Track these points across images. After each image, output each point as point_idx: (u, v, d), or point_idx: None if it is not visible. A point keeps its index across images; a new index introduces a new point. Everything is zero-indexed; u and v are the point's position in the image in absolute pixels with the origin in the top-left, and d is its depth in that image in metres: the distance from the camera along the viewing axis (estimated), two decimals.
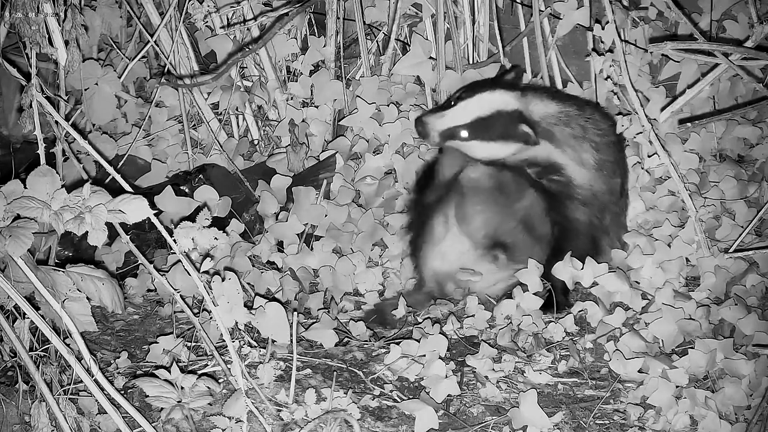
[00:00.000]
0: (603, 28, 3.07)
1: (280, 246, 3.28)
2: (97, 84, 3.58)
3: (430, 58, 3.53)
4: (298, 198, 3.32)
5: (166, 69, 3.57)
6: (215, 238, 2.53)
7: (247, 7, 3.53)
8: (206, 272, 2.50)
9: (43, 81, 3.16)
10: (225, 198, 3.29)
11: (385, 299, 3.16)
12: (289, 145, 3.61)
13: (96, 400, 2.40)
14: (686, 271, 3.05)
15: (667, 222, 3.14)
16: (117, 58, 3.76)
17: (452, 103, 2.97)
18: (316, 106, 3.63)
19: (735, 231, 3.10)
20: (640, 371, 2.73)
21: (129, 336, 2.99)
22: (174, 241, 2.49)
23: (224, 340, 2.51)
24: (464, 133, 2.93)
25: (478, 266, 3.06)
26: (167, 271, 2.96)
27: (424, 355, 2.76)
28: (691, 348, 2.70)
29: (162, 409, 2.50)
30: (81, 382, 2.40)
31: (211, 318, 2.61)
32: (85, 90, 3.57)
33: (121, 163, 3.48)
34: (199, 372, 2.61)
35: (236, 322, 2.56)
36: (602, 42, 3.10)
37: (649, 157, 3.26)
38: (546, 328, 2.92)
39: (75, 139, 2.58)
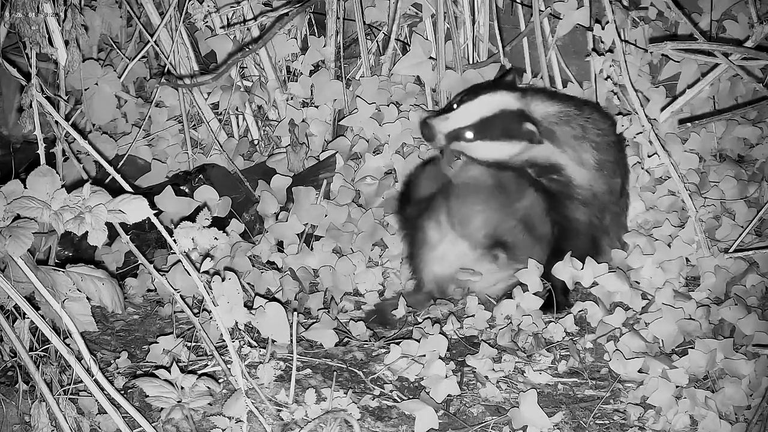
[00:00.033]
0: (603, 28, 3.07)
1: (280, 246, 3.28)
2: (97, 84, 3.58)
3: (430, 58, 3.53)
4: (298, 198, 3.32)
5: (166, 69, 3.57)
6: (215, 238, 2.53)
7: (247, 7, 3.53)
8: (206, 272, 2.50)
9: (43, 81, 3.16)
10: (225, 198, 3.29)
11: (385, 299, 3.16)
12: (289, 145, 3.61)
13: (96, 400, 2.40)
14: (686, 271, 3.05)
15: (667, 222, 3.15)
16: (117, 58, 3.76)
17: (455, 105, 2.98)
18: (316, 106, 3.63)
19: (735, 231, 3.10)
20: (640, 371, 2.73)
21: (129, 336, 2.99)
22: (174, 241, 2.49)
23: (224, 340, 2.51)
24: (469, 134, 2.94)
25: (478, 266, 3.06)
26: (167, 271, 2.96)
27: (424, 355, 2.76)
28: (691, 348, 2.70)
29: (162, 409, 2.50)
30: (81, 382, 2.40)
31: (211, 318, 2.61)
32: (85, 90, 3.57)
33: (121, 163, 3.48)
34: (199, 372, 2.61)
35: (236, 322, 2.56)
36: (602, 42, 3.10)
37: (649, 157, 3.26)
38: (546, 328, 2.92)
39: (75, 139, 2.58)
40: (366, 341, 2.94)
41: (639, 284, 3.01)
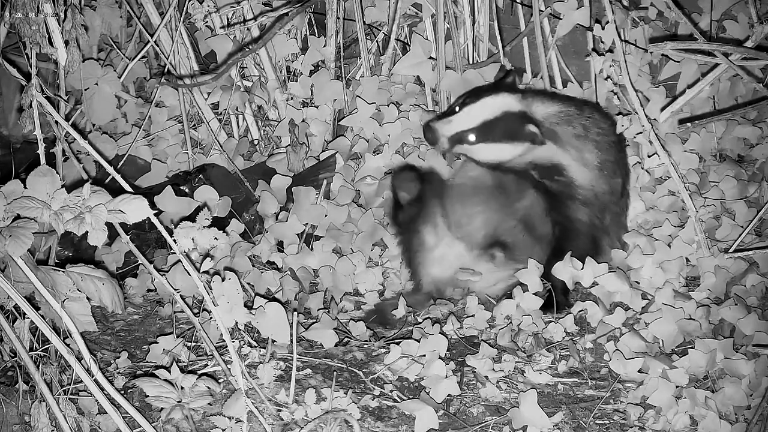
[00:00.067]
0: (603, 28, 3.07)
1: (280, 246, 3.28)
2: (97, 84, 3.58)
3: (430, 58, 3.53)
4: (298, 198, 3.32)
5: (166, 69, 3.57)
6: (215, 238, 2.53)
7: (247, 7, 3.53)
8: (206, 272, 2.50)
9: (43, 81, 3.17)
10: (225, 198, 3.29)
11: (385, 299, 3.16)
12: (289, 145, 3.61)
13: (96, 400, 2.40)
14: (686, 271, 3.05)
15: (667, 222, 3.14)
16: (117, 58, 3.76)
17: (457, 108, 2.98)
18: (316, 106, 3.63)
19: (735, 231, 3.10)
20: (640, 371, 2.73)
21: (129, 336, 2.99)
22: (174, 241, 2.49)
23: (224, 340, 2.51)
24: (472, 137, 2.95)
25: (477, 267, 3.06)
26: (167, 271, 2.96)
27: (424, 355, 2.76)
28: (691, 348, 2.70)
29: (162, 409, 2.50)
30: (81, 382, 2.40)
31: (211, 318, 2.61)
32: (85, 90, 3.57)
33: (121, 163, 3.48)
34: (199, 372, 2.61)
35: (236, 322, 2.56)
36: (602, 42, 3.10)
37: (649, 157, 3.26)
38: (546, 328, 2.92)
39: (75, 139, 2.58)
40: (366, 341, 2.94)
41: (639, 284, 3.01)
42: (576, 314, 2.97)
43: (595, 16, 3.31)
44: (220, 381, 2.63)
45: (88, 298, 2.63)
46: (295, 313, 2.68)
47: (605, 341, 2.86)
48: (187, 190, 3.29)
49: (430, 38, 3.58)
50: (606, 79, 3.05)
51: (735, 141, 3.45)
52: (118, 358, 2.80)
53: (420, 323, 2.99)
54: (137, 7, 3.66)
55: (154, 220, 2.45)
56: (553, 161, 2.99)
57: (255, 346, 2.74)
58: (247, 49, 3.51)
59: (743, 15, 3.44)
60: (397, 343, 2.79)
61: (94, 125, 3.66)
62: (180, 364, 2.66)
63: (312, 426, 2.53)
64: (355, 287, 3.19)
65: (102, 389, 2.37)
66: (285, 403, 2.61)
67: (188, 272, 2.47)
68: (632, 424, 2.60)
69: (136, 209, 2.40)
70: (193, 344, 2.79)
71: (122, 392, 2.53)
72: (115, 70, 3.62)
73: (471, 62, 3.54)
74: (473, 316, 2.99)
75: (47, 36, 2.91)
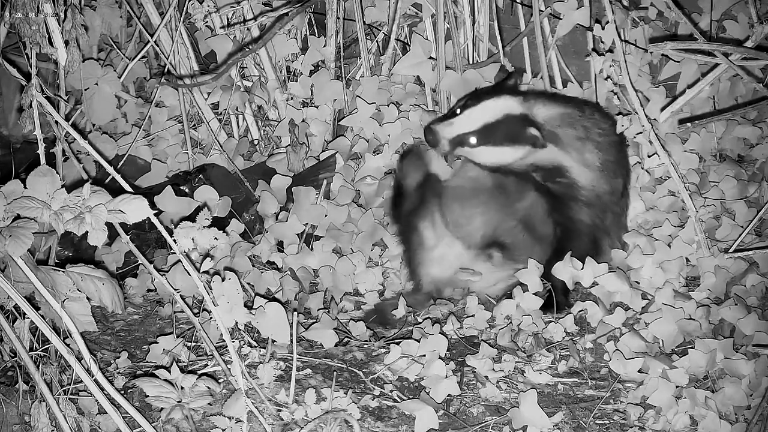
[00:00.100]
0: (603, 28, 3.07)
1: (280, 246, 3.28)
2: (97, 84, 3.58)
3: (430, 58, 3.53)
4: (298, 198, 3.32)
5: (166, 69, 3.57)
6: (215, 238, 2.53)
7: (247, 7, 3.53)
8: (206, 272, 2.50)
9: (43, 81, 3.17)
10: (225, 198, 3.29)
11: (385, 299, 3.16)
12: (289, 145, 3.61)
13: (96, 400, 2.40)
14: (686, 271, 3.05)
15: (667, 222, 3.14)
16: (117, 58, 3.76)
17: (458, 110, 2.98)
18: (316, 106, 3.63)
19: (735, 231, 3.10)
20: (640, 371, 2.73)
21: (129, 336, 2.99)
22: (174, 241, 2.49)
23: (224, 340, 2.51)
24: (473, 140, 2.95)
25: (475, 266, 3.07)
26: (167, 271, 2.96)
27: (424, 355, 2.76)
28: (691, 348, 2.70)
29: (162, 409, 2.50)
30: (81, 382, 2.40)
31: (211, 318, 2.61)
32: (85, 90, 3.57)
33: (121, 163, 3.48)
34: (199, 372, 2.61)
35: (236, 322, 2.56)
36: (602, 42, 3.10)
37: (649, 157, 3.26)
38: (546, 328, 2.92)
39: (75, 139, 2.58)
40: (366, 341, 2.94)
41: (639, 284, 3.01)
42: (576, 314, 2.97)
43: (595, 16, 3.30)
44: (220, 381, 2.63)
45: (88, 298, 2.63)
46: (295, 313, 2.68)
47: (605, 341, 2.86)
48: (187, 190, 3.29)
49: (430, 38, 3.58)
50: (606, 79, 3.05)
51: (735, 141, 3.45)
52: (118, 358, 2.80)
53: (420, 323, 2.99)
54: (137, 7, 3.66)
55: (154, 220, 2.45)
56: (554, 163, 3.00)
57: (255, 346, 2.74)
58: (247, 49, 3.51)
59: (743, 15, 3.44)
60: (397, 343, 2.79)
61: (94, 125, 3.66)
62: (180, 364, 2.66)
63: (312, 426, 2.53)
64: (355, 287, 3.19)
65: (102, 389, 2.37)
66: (285, 403, 2.61)
67: (188, 272, 2.47)
68: (632, 424, 2.60)
69: (136, 209, 2.40)
70: (193, 344, 2.79)
71: (122, 392, 2.53)
72: (115, 70, 3.62)
73: (471, 62, 3.54)
74: (473, 316, 2.99)
75: (47, 36, 2.91)
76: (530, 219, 3.05)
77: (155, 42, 3.53)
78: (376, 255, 3.28)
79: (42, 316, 2.39)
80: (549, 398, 2.71)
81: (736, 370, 2.64)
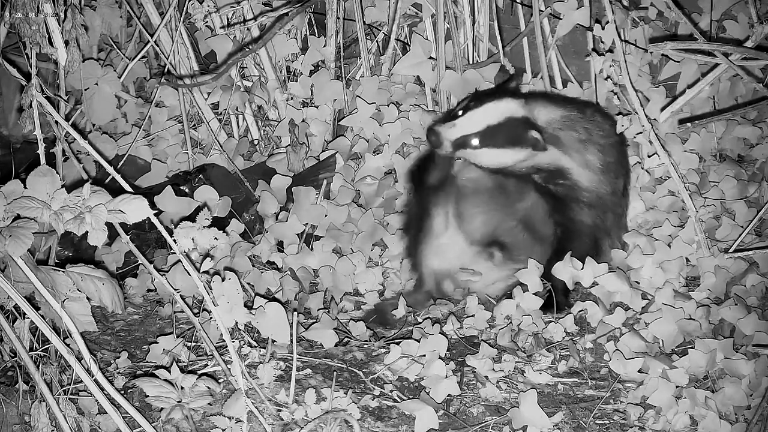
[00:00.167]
0: (603, 28, 3.07)
1: (280, 246, 3.28)
2: (97, 84, 3.58)
3: (430, 58, 3.53)
4: (298, 198, 3.32)
5: (166, 69, 3.57)
6: (215, 238, 2.53)
7: (247, 7, 3.53)
8: (206, 272, 2.50)
9: (43, 81, 3.16)
10: (225, 198, 3.29)
11: (385, 299, 3.16)
12: (289, 145, 3.61)
13: (96, 400, 2.40)
14: (686, 271, 3.05)
15: (667, 222, 3.15)
16: (117, 58, 3.76)
17: (460, 112, 2.98)
18: (316, 106, 3.63)
19: (735, 231, 3.10)
20: (640, 371, 2.73)
21: (129, 336, 2.99)
22: (174, 241, 2.49)
23: (224, 340, 2.51)
24: (475, 142, 2.95)
25: (475, 264, 3.07)
26: (167, 271, 2.96)
27: (424, 355, 2.76)
28: (691, 348, 2.70)
29: (162, 409, 2.50)
30: (81, 382, 2.40)
31: (211, 318, 2.61)
32: (85, 90, 3.57)
33: (121, 163, 3.48)
34: (199, 372, 2.61)
35: (236, 322, 2.56)
36: (602, 42, 3.10)
37: (649, 157, 3.26)
38: (546, 328, 2.92)
39: (75, 139, 2.58)
40: (366, 341, 2.94)
41: (639, 284, 3.01)
42: (576, 314, 2.97)
43: (595, 16, 3.31)
44: (220, 381, 2.63)
45: (88, 298, 2.63)
46: (295, 313, 2.68)
47: (605, 341, 2.86)
48: (187, 190, 3.29)
49: (430, 38, 3.58)
50: (606, 79, 3.05)
51: (735, 141, 3.45)
52: (118, 358, 2.80)
53: (420, 323, 2.99)
54: (137, 7, 3.66)
55: (154, 220, 2.45)
56: (556, 166, 3.00)
57: (255, 346, 2.74)
58: (247, 49, 3.51)
59: (743, 15, 3.44)
60: (397, 343, 2.79)
61: (94, 125, 3.66)
62: (180, 364, 2.66)
63: (312, 426, 2.53)
64: (355, 287, 3.19)
65: (102, 389, 2.37)
66: (285, 403, 2.61)
67: (188, 272, 2.47)
68: (632, 424, 2.60)
69: (136, 209, 2.40)
70: (193, 344, 2.79)
71: (122, 392, 2.53)
72: (115, 70, 3.62)
73: (471, 62, 3.54)
74: (473, 316, 2.99)
75: (47, 36, 2.91)
76: (530, 219, 3.05)
77: (155, 42, 3.53)
78: (376, 255, 3.28)
79: (42, 316, 2.39)
80: (549, 398, 2.71)
81: (736, 370, 2.64)
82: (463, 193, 3.06)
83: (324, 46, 3.63)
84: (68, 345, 2.38)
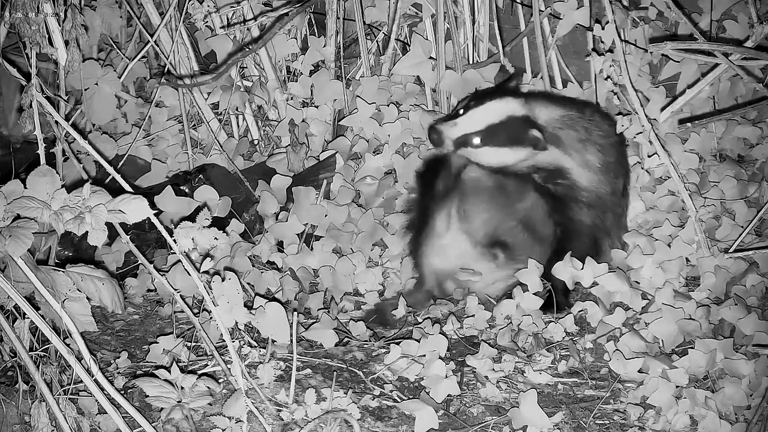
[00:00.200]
0: (603, 28, 3.07)
1: (280, 246, 3.28)
2: (97, 84, 3.58)
3: (430, 58, 3.53)
4: (298, 198, 3.32)
5: (166, 69, 3.57)
6: (215, 238, 2.53)
7: (247, 7, 3.53)
8: (206, 272, 2.50)
9: (43, 81, 3.16)
10: (225, 198, 3.29)
11: (385, 299, 3.16)
12: (289, 145, 3.61)
13: (96, 400, 2.40)
14: (686, 271, 3.05)
15: (667, 222, 3.15)
16: (117, 58, 3.76)
17: (461, 111, 2.98)
18: (316, 106, 3.63)
19: (735, 231, 3.10)
20: (640, 371, 2.73)
21: (129, 336, 2.99)
22: (174, 241, 2.49)
23: (224, 340, 2.51)
24: (476, 140, 2.95)
25: (477, 265, 3.07)
26: (167, 271, 2.96)
27: (424, 355, 2.76)
28: (691, 348, 2.70)
29: (162, 409, 2.50)
30: (81, 382, 2.40)
31: (211, 318, 2.61)
32: (85, 90, 3.57)
33: (121, 163, 3.48)
34: (199, 372, 2.61)
35: (236, 322, 2.56)
36: (602, 42, 3.10)
37: (649, 157, 3.26)
38: (546, 328, 2.92)
39: (75, 139, 2.58)
40: (366, 341, 2.94)
41: (639, 284, 3.01)
42: (576, 314, 2.97)
43: (595, 16, 3.31)
44: (220, 381, 2.63)
45: (88, 298, 2.63)
46: (295, 313, 2.68)
47: (605, 341, 2.86)
48: (187, 190, 3.29)
49: (430, 38, 3.58)
50: (606, 79, 3.05)
51: (735, 141, 3.45)
52: (118, 358, 2.80)
53: (420, 323, 2.99)
54: (137, 7, 3.66)
55: (154, 220, 2.45)
56: (556, 165, 3.00)
57: (255, 346, 2.74)
58: (247, 49, 3.51)
59: (743, 15, 3.44)
60: (397, 343, 2.79)
61: (94, 125, 3.66)
62: (180, 364, 2.66)
63: (312, 426, 2.53)
64: (355, 287, 3.19)
65: (102, 389, 2.37)
66: (285, 403, 2.61)
67: (188, 272, 2.47)
68: (632, 424, 2.60)
69: (136, 209, 2.40)
70: (193, 344, 2.79)
71: (122, 392, 2.53)
72: (115, 70, 3.62)
73: (471, 62, 3.54)
74: (473, 316, 2.99)
75: (47, 36, 2.91)
76: (530, 219, 3.05)
77: (155, 42, 3.53)
78: (376, 255, 3.28)
79: (42, 316, 2.39)
80: (549, 398, 2.71)
81: (736, 370, 2.64)
82: (465, 193, 3.06)
83: (324, 46, 3.63)
84: (68, 345, 2.38)
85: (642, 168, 3.28)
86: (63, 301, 2.51)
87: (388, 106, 3.54)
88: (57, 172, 2.48)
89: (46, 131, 2.70)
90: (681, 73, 3.44)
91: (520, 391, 2.70)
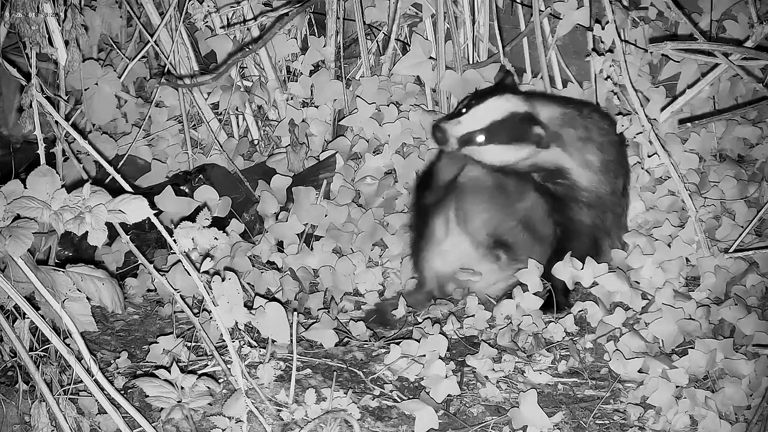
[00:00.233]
0: (603, 28, 3.07)
1: (280, 246, 3.28)
2: (97, 84, 3.58)
3: (430, 58, 3.53)
4: (298, 198, 3.32)
5: (166, 69, 3.57)
6: (215, 238, 2.53)
7: (247, 7, 3.53)
8: (206, 272, 2.50)
9: (43, 81, 3.16)
10: (225, 198, 3.29)
11: (385, 299, 3.16)
12: (289, 145, 3.61)
13: (96, 400, 2.40)
14: (686, 271, 3.05)
15: (667, 222, 3.15)
16: (117, 58, 3.76)
17: (463, 110, 2.98)
18: (316, 106, 3.63)
19: (735, 231, 3.10)
20: (640, 371, 2.73)
21: (129, 336, 2.99)
22: (174, 241, 2.49)
23: (224, 340, 2.51)
24: (480, 138, 2.95)
25: (480, 266, 3.07)
26: (167, 271, 2.96)
27: (424, 355, 2.76)
28: (691, 348, 2.70)
29: (162, 409, 2.50)
30: (81, 382, 2.40)
31: (211, 318, 2.61)
32: (85, 90, 3.57)
33: (121, 163, 3.48)
34: (199, 372, 2.61)
35: (236, 322, 2.56)
36: (602, 42, 3.10)
37: (649, 157, 3.26)
38: (546, 328, 2.92)
39: (75, 139, 2.58)
40: (366, 341, 2.94)
41: (639, 284, 3.01)
42: (576, 314, 2.97)
43: (595, 16, 3.31)
44: (220, 381, 2.63)
45: (88, 298, 2.62)
46: (295, 313, 2.68)
47: (605, 341, 2.86)
48: (187, 190, 3.29)
49: (430, 38, 3.58)
50: (606, 79, 3.05)
51: (735, 141, 3.45)
52: (118, 358, 2.80)
53: (420, 323, 2.99)
54: (137, 7, 3.66)
55: (154, 220, 2.45)
56: (556, 165, 3.00)
57: (255, 346, 2.74)
58: (247, 49, 3.51)
59: (743, 15, 3.44)
60: (397, 343, 2.79)
61: (94, 125, 3.66)
62: (180, 364, 2.66)
63: (312, 426, 2.53)
64: (355, 287, 3.19)
65: (102, 389, 2.37)
66: (285, 403, 2.61)
67: (188, 272, 2.47)
68: (632, 424, 2.60)
69: (136, 209, 2.40)
70: (193, 344, 2.79)
71: (122, 392, 2.53)
72: (115, 70, 3.62)
73: (471, 62, 3.54)
74: (473, 316, 2.99)
75: (47, 36, 2.91)
76: (530, 219, 3.05)
77: (155, 42, 3.53)
78: (376, 255, 3.28)
79: (42, 316, 2.39)
80: (549, 398, 2.71)
81: (736, 370, 2.64)
82: (463, 195, 3.06)
83: (324, 46, 3.63)
84: (68, 345, 2.38)
85: (642, 168, 3.28)
86: (63, 301, 2.51)
87: (388, 106, 3.54)
88: (57, 172, 2.48)
89: (46, 131, 2.70)
90: (681, 73, 3.44)
91: (520, 391, 2.70)
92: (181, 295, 2.54)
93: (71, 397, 2.49)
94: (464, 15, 3.50)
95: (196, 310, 2.69)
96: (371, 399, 2.67)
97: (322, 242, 3.24)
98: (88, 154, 2.91)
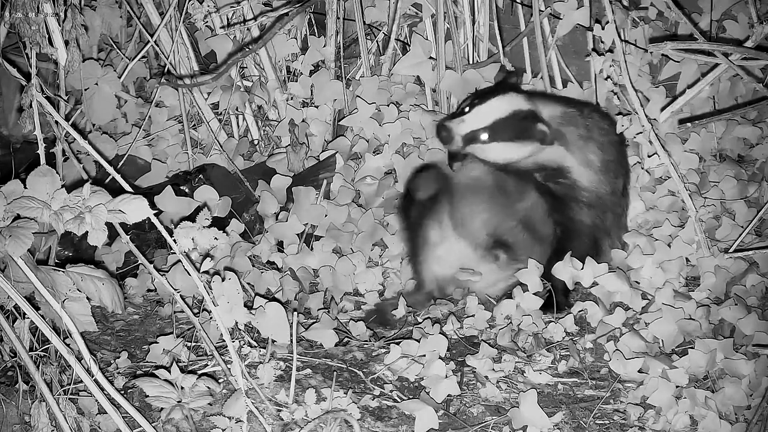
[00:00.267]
0: (603, 28, 3.07)
1: (280, 246, 3.28)
2: (97, 84, 3.58)
3: (430, 58, 3.53)
4: (298, 198, 3.32)
5: (166, 69, 3.57)
6: (215, 238, 2.53)
7: (247, 7, 3.53)
8: (206, 272, 2.50)
9: (43, 81, 3.17)
10: (225, 198, 3.29)
11: (385, 299, 3.16)
12: (289, 145, 3.61)
13: (96, 400, 2.40)
14: (686, 271, 3.05)
15: (667, 222, 3.15)
16: (117, 58, 3.76)
17: (467, 109, 2.98)
18: (316, 106, 3.63)
19: (735, 231, 3.10)
20: (640, 371, 2.73)
21: (129, 336, 2.99)
22: (174, 241, 2.49)
23: (224, 340, 2.51)
24: (484, 136, 2.95)
25: (480, 267, 3.07)
26: (167, 271, 2.96)
27: (424, 355, 2.76)
28: (691, 348, 2.70)
29: (162, 409, 2.50)
30: (81, 382, 2.40)
31: (211, 318, 2.61)
32: (85, 90, 3.57)
33: (121, 163, 3.48)
34: (199, 372, 2.61)
35: (236, 322, 2.56)
36: (602, 42, 3.10)
37: (649, 157, 3.26)
38: (546, 328, 2.92)
39: (75, 139, 2.58)
40: (366, 341, 2.94)
41: (639, 284, 3.01)
42: (576, 314, 2.97)
43: (595, 16, 3.31)
44: (220, 381, 2.63)
45: (88, 298, 2.63)
46: (295, 313, 2.68)
47: (605, 341, 2.86)
48: (187, 190, 3.29)
49: (430, 38, 3.58)
50: (606, 79, 3.05)
51: (735, 141, 3.45)
52: (118, 358, 2.80)
53: (420, 323, 2.99)
54: (137, 7, 3.66)
55: (154, 220, 2.45)
56: (558, 164, 3.00)
57: (255, 346, 2.74)
58: (247, 49, 3.51)
59: (743, 15, 3.44)
60: (397, 343, 2.79)
61: (94, 125, 3.66)
62: (180, 364, 2.66)
63: (312, 426, 2.53)
64: (355, 287, 3.19)
65: (102, 389, 2.37)
66: (285, 403, 2.61)
67: (188, 272, 2.47)
68: (632, 424, 2.60)
69: (136, 209, 2.40)
70: (193, 344, 2.79)
71: (122, 392, 2.53)
72: (115, 70, 3.62)
73: (471, 62, 3.54)
74: (473, 316, 2.99)
75: (47, 36, 2.91)
76: (531, 219, 3.05)
77: (155, 42, 3.53)
78: (376, 255, 3.28)
79: (42, 316, 2.39)
80: (549, 398, 2.71)
81: (736, 370, 2.64)
82: (459, 197, 3.06)
83: (324, 46, 3.63)
84: (68, 345, 2.38)
85: (642, 168, 3.28)
86: (63, 301, 2.51)
87: (388, 106, 3.54)
88: (57, 172, 2.48)
89: (46, 131, 2.70)
90: (681, 73, 3.44)
91: (520, 391, 2.70)
92: (181, 295, 2.54)
93: (71, 397, 2.49)
94: (464, 15, 3.50)
95: (196, 310, 2.69)
96: (371, 399, 2.67)
97: (322, 242, 3.24)
98: (88, 154, 2.91)
